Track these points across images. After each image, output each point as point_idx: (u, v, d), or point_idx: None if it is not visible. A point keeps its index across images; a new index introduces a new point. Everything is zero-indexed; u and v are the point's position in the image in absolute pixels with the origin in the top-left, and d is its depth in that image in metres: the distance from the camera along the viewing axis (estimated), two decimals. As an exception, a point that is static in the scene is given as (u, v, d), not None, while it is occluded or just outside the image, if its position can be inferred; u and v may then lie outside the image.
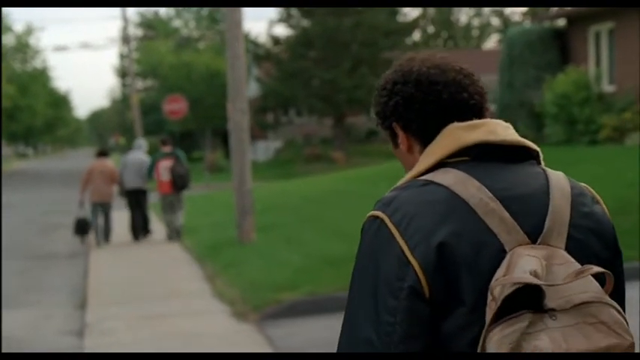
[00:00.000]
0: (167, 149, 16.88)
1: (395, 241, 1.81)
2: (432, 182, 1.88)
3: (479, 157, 1.92)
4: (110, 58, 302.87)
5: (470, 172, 1.87)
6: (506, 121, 2.03)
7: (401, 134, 2.04)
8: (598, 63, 22.77)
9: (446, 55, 2.07)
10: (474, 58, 54.21)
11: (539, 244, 1.80)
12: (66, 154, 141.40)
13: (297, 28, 43.52)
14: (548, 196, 1.88)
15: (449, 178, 1.87)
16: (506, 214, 1.81)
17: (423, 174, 1.94)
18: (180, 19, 74.47)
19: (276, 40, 44.59)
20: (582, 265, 1.76)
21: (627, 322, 1.74)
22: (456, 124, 1.95)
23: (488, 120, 1.98)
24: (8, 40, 67.14)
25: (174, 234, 16.91)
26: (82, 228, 16.77)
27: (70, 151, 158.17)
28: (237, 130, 14.28)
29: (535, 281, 1.67)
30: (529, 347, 1.65)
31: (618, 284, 1.90)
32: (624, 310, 1.83)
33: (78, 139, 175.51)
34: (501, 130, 1.96)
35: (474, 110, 2.00)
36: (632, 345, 1.72)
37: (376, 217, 1.88)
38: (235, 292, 10.97)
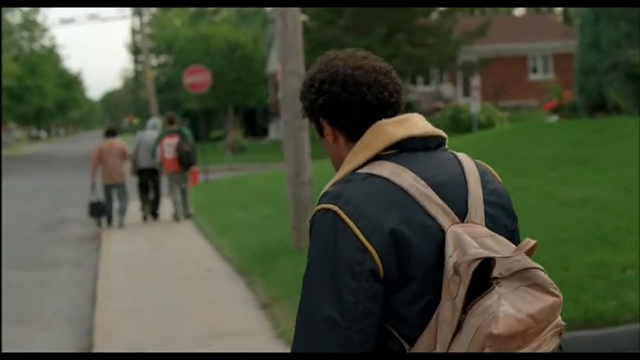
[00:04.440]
0: (173, 127, 16.44)
1: (351, 230, 2.05)
2: (372, 175, 2.14)
3: (406, 149, 2.20)
4: (121, 34, 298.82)
5: (402, 163, 2.16)
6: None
7: (327, 128, 2.30)
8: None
9: (366, 53, 2.34)
10: (505, 25, 50.59)
11: (466, 222, 2.13)
12: (79, 136, 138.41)
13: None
14: (465, 179, 2.20)
15: (386, 170, 2.15)
16: (439, 199, 2.11)
17: (359, 167, 2.19)
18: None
19: (302, 9, 40.76)
20: (497, 233, 2.13)
21: None
22: (384, 121, 2.23)
23: (410, 115, 2.27)
24: (14, 17, 63.88)
25: (182, 214, 16.59)
26: (97, 210, 16.31)
27: (83, 133, 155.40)
28: (292, 99, 10.67)
29: (495, 255, 2.00)
30: (501, 313, 1.95)
31: (516, 242, 2.29)
32: None
33: (91, 121, 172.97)
34: (421, 123, 2.26)
35: (393, 107, 2.27)
36: (562, 301, 2.10)
37: (328, 210, 2.10)
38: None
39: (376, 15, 37.86)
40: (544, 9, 69.61)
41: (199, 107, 38.67)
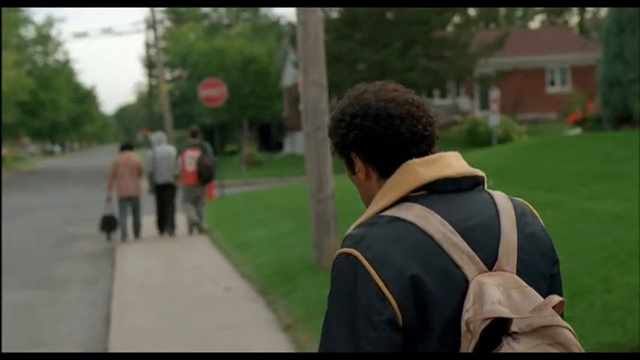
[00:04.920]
0: (195, 141, 16.42)
1: (371, 277, 1.96)
2: (397, 219, 2.03)
3: (437, 190, 2.09)
4: (135, 49, 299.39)
5: (430, 207, 2.04)
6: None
7: (359, 164, 2.19)
8: None
9: (397, 86, 2.22)
10: (522, 37, 50.11)
11: (494, 270, 2.01)
12: (93, 150, 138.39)
13: (340, 8, 39.29)
14: (498, 223, 2.07)
15: (412, 214, 2.03)
16: (467, 247, 2.00)
17: (386, 208, 2.08)
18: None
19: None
20: (530, 284, 2.00)
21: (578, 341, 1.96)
22: (414, 161, 2.12)
23: (443, 154, 2.15)
24: (28, 32, 63.82)
25: (196, 228, 16.43)
26: (108, 224, 16.20)
27: (97, 148, 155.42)
28: (313, 111, 10.26)
29: (508, 314, 1.90)
30: None
31: (559, 290, 2.19)
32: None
33: (105, 136, 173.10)
34: (455, 163, 2.15)
35: (427, 141, 2.16)
36: None
37: (349, 255, 2.01)
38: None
39: (392, 28, 37.50)
40: (560, 21, 69.20)
41: (214, 121, 38.33)
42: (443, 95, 45.77)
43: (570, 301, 6.92)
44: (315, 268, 10.45)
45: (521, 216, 2.14)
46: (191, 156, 16.06)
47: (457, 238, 2.00)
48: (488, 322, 1.89)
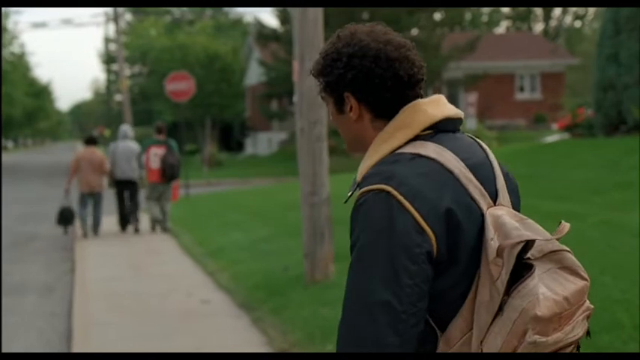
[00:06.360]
0: (160, 137, 15.97)
1: (407, 211, 1.98)
2: (420, 155, 2.09)
3: (442, 130, 2.17)
4: (93, 43, 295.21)
5: (442, 144, 2.12)
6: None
7: (354, 103, 2.20)
8: None
9: (386, 28, 2.25)
10: (491, 42, 49.29)
11: (497, 204, 2.11)
12: (47, 147, 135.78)
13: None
14: (490, 162, 2.20)
15: (431, 150, 2.09)
16: (477, 182, 2.10)
17: (399, 147, 2.13)
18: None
19: (285, 18, 39.19)
20: None
21: None
22: (421, 101, 2.19)
23: (440, 96, 2.24)
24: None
25: (159, 226, 15.95)
26: (66, 218, 15.78)
27: (51, 145, 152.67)
28: (308, 104, 9.06)
29: (537, 237, 2.00)
30: (540, 296, 1.95)
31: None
32: None
33: (59, 132, 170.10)
34: (450, 104, 2.24)
35: (420, 84, 2.22)
36: (589, 284, 2.09)
37: (381, 190, 2.01)
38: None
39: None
40: (524, 27, 68.70)
41: (175, 119, 36.94)
42: (410, 98, 44.81)
43: (632, 333, 5.82)
44: (306, 281, 9.24)
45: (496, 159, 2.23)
46: (155, 153, 15.65)
47: (470, 174, 2.08)
48: (520, 246, 1.97)
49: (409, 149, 2.10)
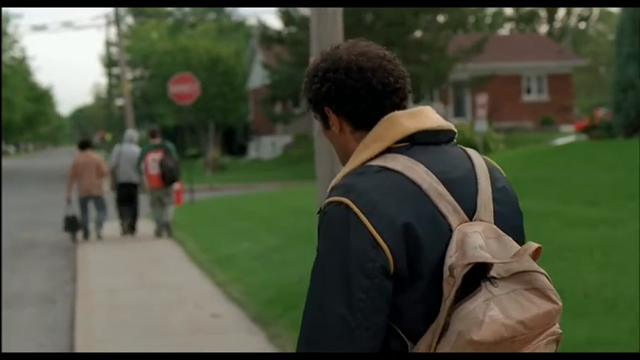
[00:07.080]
0: (156, 141, 15.92)
1: (363, 225, 1.97)
2: (385, 168, 2.07)
3: (418, 142, 2.13)
4: (95, 47, 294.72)
5: (415, 157, 2.09)
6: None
7: (333, 117, 2.21)
8: None
9: (369, 42, 2.25)
10: (497, 44, 48.72)
11: (474, 220, 2.06)
12: (48, 152, 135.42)
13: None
14: (474, 176, 2.14)
15: (399, 164, 2.08)
16: (450, 197, 2.05)
17: (370, 159, 2.11)
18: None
19: (289, 20, 38.61)
20: (505, 232, 2.06)
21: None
22: (397, 113, 2.15)
23: (423, 108, 2.19)
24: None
25: (164, 230, 15.83)
26: (72, 225, 15.69)
27: (52, 150, 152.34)
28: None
29: (489, 259, 1.93)
30: (487, 319, 1.89)
31: (524, 240, 2.21)
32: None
33: (60, 137, 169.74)
34: (434, 117, 2.18)
35: (398, 93, 2.19)
36: (561, 308, 2.00)
37: (340, 203, 2.01)
38: None
39: (369, 31, 35.83)
40: (529, 29, 68.15)
41: (178, 123, 36.40)
42: (416, 101, 44.15)
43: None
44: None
45: (492, 172, 2.20)
46: (153, 159, 15.57)
47: (442, 189, 2.05)
48: (470, 266, 1.92)
49: (378, 162, 2.09)
